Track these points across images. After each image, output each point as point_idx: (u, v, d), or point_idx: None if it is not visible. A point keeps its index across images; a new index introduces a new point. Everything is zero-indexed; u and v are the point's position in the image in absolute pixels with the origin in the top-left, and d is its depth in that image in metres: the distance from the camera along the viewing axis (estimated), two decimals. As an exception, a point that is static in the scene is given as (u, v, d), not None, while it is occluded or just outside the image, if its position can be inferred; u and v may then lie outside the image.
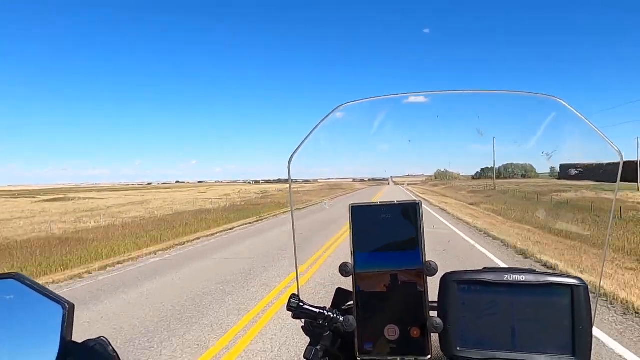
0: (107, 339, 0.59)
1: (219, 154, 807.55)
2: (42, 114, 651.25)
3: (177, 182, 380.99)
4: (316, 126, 0.81)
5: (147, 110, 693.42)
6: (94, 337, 0.59)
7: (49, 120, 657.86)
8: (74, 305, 0.60)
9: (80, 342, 0.58)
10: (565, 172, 59.54)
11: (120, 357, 0.58)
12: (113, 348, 0.58)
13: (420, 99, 0.88)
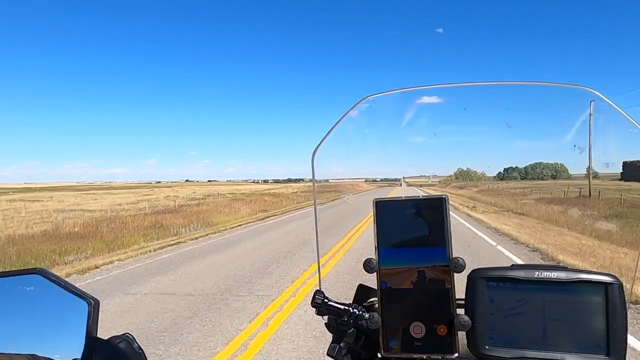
0: (132, 336, 0.59)
1: (232, 154, 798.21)
2: (59, 113, 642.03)
3: (187, 180, 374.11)
4: (341, 118, 0.79)
5: (162, 110, 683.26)
6: (119, 334, 0.59)
7: (66, 120, 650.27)
8: (99, 302, 0.60)
9: (105, 338, 0.58)
10: (631, 172, 43.19)
11: (146, 354, 0.59)
12: (138, 345, 0.58)
13: (434, 98, 0.84)
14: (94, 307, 0.58)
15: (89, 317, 0.58)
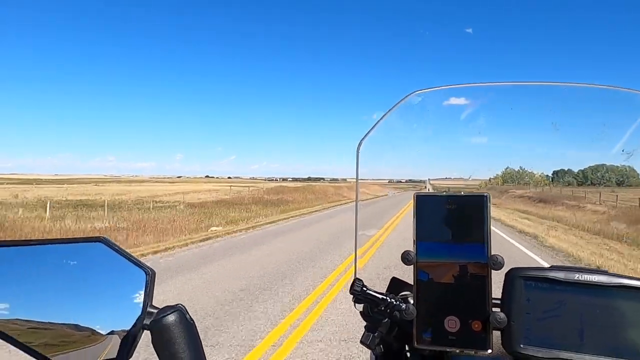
0: (184, 307, 0.62)
1: (258, 152, 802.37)
2: (91, 107, 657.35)
3: (207, 176, 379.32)
4: (387, 112, 0.81)
5: (191, 106, 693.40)
6: (172, 304, 0.62)
7: (98, 114, 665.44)
8: (155, 273, 0.64)
9: (160, 307, 0.62)
10: None
11: (197, 326, 0.61)
12: (190, 316, 0.62)
13: (479, 96, 0.85)
14: (151, 277, 0.62)
15: (146, 287, 0.62)
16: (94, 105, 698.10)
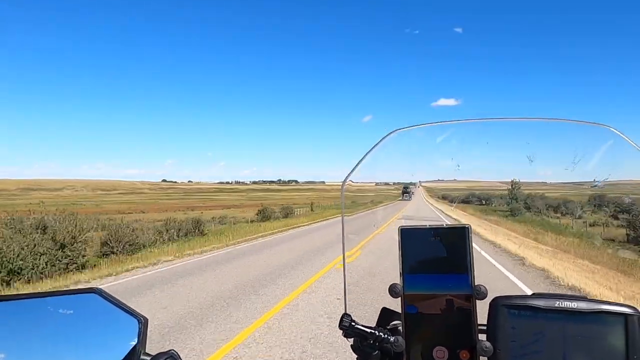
0: (177, 352, 0.64)
1: (248, 157, 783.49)
2: (79, 113, 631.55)
3: (189, 181, 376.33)
4: (371, 150, 0.85)
5: (180, 111, 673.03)
6: (165, 351, 0.64)
7: (86, 120, 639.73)
8: (147, 320, 0.66)
9: (153, 354, 0.64)
10: None
11: None
12: None
13: (458, 131, 0.90)
14: (143, 324, 0.65)
15: (139, 335, 0.65)
16: (84, 112, 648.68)
